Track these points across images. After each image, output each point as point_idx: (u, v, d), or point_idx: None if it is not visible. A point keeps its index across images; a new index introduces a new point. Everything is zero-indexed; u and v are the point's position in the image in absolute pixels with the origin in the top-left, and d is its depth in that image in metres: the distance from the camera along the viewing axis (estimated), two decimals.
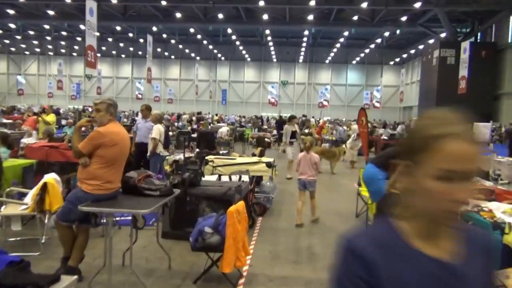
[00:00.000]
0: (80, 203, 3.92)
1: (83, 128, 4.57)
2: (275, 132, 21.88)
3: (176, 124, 21.57)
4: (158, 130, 7.66)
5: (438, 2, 32.60)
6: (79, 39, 46.81)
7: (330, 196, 9.02)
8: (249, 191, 6.07)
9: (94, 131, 4.16)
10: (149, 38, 25.74)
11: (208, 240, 4.05)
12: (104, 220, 4.19)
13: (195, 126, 19.70)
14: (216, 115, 32.84)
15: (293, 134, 11.86)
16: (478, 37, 38.30)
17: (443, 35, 37.74)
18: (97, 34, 23.69)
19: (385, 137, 18.46)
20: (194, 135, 14.11)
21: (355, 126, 16.71)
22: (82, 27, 33.39)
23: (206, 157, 7.82)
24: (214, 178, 6.60)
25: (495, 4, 33.53)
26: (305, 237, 6.19)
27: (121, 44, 49.91)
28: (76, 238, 4.27)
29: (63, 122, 19.64)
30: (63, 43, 52.56)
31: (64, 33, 47.85)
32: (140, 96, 48.10)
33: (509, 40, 34.96)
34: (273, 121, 33.32)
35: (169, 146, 7.89)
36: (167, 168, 8.74)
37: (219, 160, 7.72)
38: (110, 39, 48.67)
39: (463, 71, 25.25)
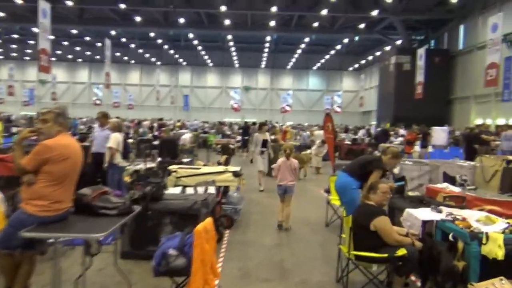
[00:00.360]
0: (24, 227, 3.38)
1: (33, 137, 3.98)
2: (239, 138, 21.55)
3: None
4: (115, 139, 7.09)
5: (394, 10, 33.60)
6: (32, 42, 44.51)
7: (298, 202, 8.75)
8: (216, 204, 5.68)
9: (40, 145, 3.63)
10: (107, 42, 24.79)
11: (173, 263, 3.63)
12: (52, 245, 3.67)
13: (156, 133, 19.00)
14: (179, 121, 32.06)
15: (264, 143, 11.05)
16: (432, 45, 39.82)
17: (399, 42, 39.01)
18: (52, 37, 22.53)
19: (348, 142, 18.56)
20: (156, 143, 13.54)
21: (318, 132, 16.64)
22: (35, 29, 31.72)
23: (169, 167, 7.35)
24: (178, 190, 6.16)
25: (447, 13, 35.02)
26: (275, 250, 5.87)
27: (78, 48, 47.95)
28: (20, 266, 3.71)
29: (14, 130, 18.45)
30: (14, 46, 49.80)
31: (15, 36, 45.33)
32: (98, 102, 46.33)
33: (460, 47, 36.57)
34: (235, 126, 33.00)
35: (128, 155, 7.35)
36: (126, 179, 8.17)
37: (183, 170, 7.27)
38: (65, 43, 46.63)
39: (420, 77, 26.10)
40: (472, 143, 13.13)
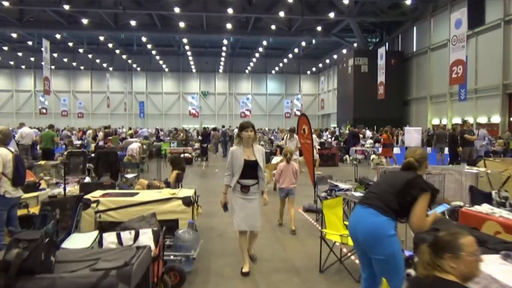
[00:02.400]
0: None
1: None
2: (197, 145, 19.05)
3: (80, 141, 17.72)
4: None
5: (349, 13, 32.51)
6: None
7: (273, 233, 6.51)
8: (151, 262, 3.28)
9: None
10: (45, 43, 21.53)
11: None
12: None
13: (101, 143, 16.12)
14: (130, 129, 28.96)
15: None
16: (387, 47, 39.24)
17: (355, 44, 38.11)
18: None
19: (318, 147, 16.56)
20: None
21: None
22: None
23: (89, 195, 4.84)
24: (92, 237, 3.70)
25: (400, 15, 34.41)
26: None
27: (20, 54, 43.24)
28: None
29: None
30: None
31: None
32: (44, 111, 41.88)
33: (414, 49, 36.15)
34: (194, 133, 30.34)
35: (23, 182, 4.77)
36: (34, 210, 5.55)
37: (109, 199, 4.80)
38: (5, 48, 41.90)
39: (381, 77, 24.79)
40: (456, 144, 11.55)
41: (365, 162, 16.40)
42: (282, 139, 14.95)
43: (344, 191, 6.53)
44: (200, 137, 20.11)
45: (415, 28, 35.78)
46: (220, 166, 16.03)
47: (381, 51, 25.21)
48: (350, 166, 15.56)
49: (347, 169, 14.59)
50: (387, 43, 37.67)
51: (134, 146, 12.61)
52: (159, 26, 34.38)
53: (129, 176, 9.34)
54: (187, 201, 4.74)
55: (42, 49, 21.41)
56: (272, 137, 20.30)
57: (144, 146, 15.04)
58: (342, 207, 5.13)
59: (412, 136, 15.01)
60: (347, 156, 16.35)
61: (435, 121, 33.71)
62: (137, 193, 5.16)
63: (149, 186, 6.87)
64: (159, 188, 6.59)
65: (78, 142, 18.01)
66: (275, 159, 14.15)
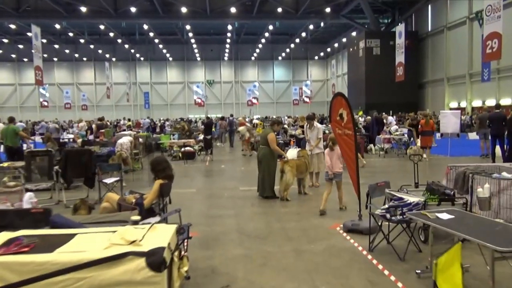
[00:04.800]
0: None
1: None
2: (201, 137, 16.58)
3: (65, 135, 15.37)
4: None
5: None
6: None
7: (295, 265, 4.14)
8: None
9: None
10: (35, 29, 19.21)
11: None
12: None
13: (91, 137, 13.75)
14: (129, 120, 26.59)
15: None
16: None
17: (365, 27, 35.20)
18: None
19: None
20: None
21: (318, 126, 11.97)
22: None
23: None
24: None
25: None
26: None
27: (21, 46, 40.88)
28: None
29: None
30: None
31: None
32: (46, 103, 39.63)
33: (429, 29, 33.18)
34: (200, 123, 27.90)
35: None
36: None
37: (5, 259, 2.44)
38: (6, 40, 39.59)
39: (400, 57, 21.94)
40: (503, 129, 9.05)
41: (391, 152, 13.92)
42: (301, 127, 12.38)
43: (414, 207, 4.11)
44: (203, 127, 17.61)
45: (430, 6, 32.81)
46: (227, 160, 13.56)
47: (400, 28, 22.34)
48: (376, 157, 13.08)
49: (377, 162, 12.12)
50: (401, 23, 34.66)
51: (124, 140, 10.26)
52: (160, 12, 31.80)
53: (109, 181, 6.99)
54: (156, 262, 2.34)
55: (30, 34, 19.01)
56: (286, 126, 17.77)
57: (141, 139, 12.69)
58: (460, 262, 2.74)
59: (450, 120, 12.43)
60: (371, 145, 13.85)
61: (453, 104, 30.98)
62: (72, 237, 2.76)
63: (120, 206, 4.50)
64: (135, 207, 4.22)
65: (70, 136, 15.73)
66: (291, 152, 11.55)
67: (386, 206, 4.33)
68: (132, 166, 10.32)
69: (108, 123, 22.44)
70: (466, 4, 28.02)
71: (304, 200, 7.40)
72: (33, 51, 19.22)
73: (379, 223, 4.32)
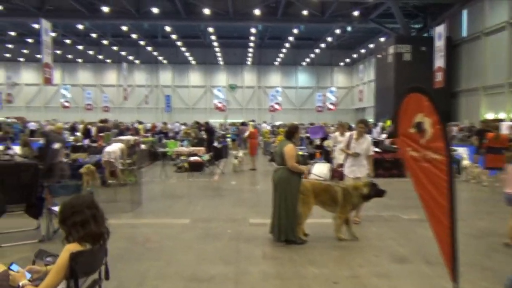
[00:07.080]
0: None
1: None
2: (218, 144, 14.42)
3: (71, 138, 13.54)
4: None
5: None
6: None
7: None
8: None
9: None
10: (45, 24, 17.73)
11: None
12: None
13: (86, 141, 11.83)
14: (140, 123, 24.83)
15: None
16: (432, 32, 33.35)
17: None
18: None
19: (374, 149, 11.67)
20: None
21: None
22: None
23: None
24: None
25: None
26: None
27: None
28: None
29: None
30: None
31: None
32: (67, 104, 38.57)
33: (464, 35, 30.23)
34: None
35: None
36: None
37: None
38: (31, 40, 38.94)
39: (439, 61, 19.25)
40: None
41: None
42: (341, 135, 8.53)
43: None
44: (205, 132, 15.13)
45: (465, 11, 29.88)
46: (241, 175, 11.34)
47: (439, 30, 19.78)
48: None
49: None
50: (437, 28, 31.94)
51: (114, 148, 8.25)
52: (182, 13, 30.29)
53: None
54: None
55: (37, 26, 17.52)
56: (309, 135, 15.39)
57: (143, 146, 10.67)
58: None
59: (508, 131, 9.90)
60: None
61: (489, 116, 27.95)
62: None
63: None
64: None
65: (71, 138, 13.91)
66: (319, 168, 9.28)
67: None
68: (123, 180, 8.28)
69: (129, 125, 20.70)
70: (506, 8, 25.07)
71: (343, 247, 5.03)
72: (42, 46, 17.70)
73: None
